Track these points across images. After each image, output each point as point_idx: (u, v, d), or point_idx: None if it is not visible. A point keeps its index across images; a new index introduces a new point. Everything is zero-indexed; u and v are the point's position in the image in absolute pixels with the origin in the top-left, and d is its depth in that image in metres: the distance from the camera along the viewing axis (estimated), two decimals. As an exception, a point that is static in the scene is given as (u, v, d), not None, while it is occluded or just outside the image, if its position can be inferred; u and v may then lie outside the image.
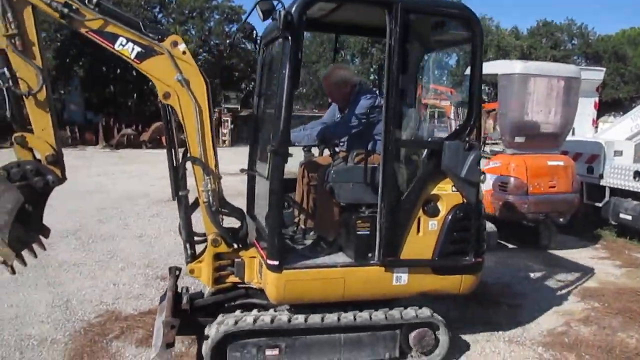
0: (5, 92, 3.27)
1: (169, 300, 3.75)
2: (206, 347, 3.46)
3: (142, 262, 6.15)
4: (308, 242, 4.04)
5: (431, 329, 3.83)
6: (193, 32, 30.49)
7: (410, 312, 3.79)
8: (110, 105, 30.74)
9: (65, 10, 3.18)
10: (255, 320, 3.52)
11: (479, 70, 3.72)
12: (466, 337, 4.35)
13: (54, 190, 3.42)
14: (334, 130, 4.20)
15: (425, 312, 3.82)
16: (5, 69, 3.22)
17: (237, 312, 3.66)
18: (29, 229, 3.43)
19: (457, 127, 3.98)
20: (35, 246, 3.54)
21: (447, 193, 3.70)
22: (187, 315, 3.75)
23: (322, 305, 3.69)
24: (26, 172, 3.29)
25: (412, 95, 4.47)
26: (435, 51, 4.73)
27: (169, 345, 3.39)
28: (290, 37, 3.25)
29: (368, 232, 3.61)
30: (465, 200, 3.69)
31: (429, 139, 4.37)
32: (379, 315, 3.71)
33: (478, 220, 3.76)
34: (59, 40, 26.47)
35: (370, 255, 3.62)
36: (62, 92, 29.69)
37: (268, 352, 3.54)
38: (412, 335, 3.80)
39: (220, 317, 3.60)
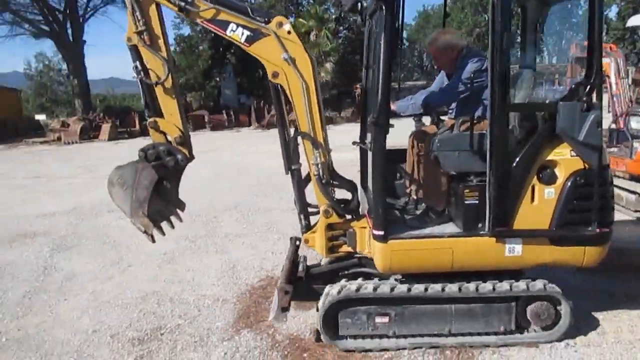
0: (139, 83, 3.69)
1: (285, 268, 4.02)
2: (322, 308, 3.62)
3: (296, 233, 6.55)
4: (419, 212, 3.99)
5: (551, 303, 3.60)
6: (332, 10, 30.89)
7: (528, 284, 3.60)
8: (260, 88, 32.69)
9: (182, 4, 3.48)
10: (375, 289, 3.60)
11: (599, 23, 3.33)
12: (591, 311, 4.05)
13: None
14: (438, 97, 4.08)
15: (540, 284, 3.61)
16: (137, 62, 3.63)
17: (359, 280, 3.76)
18: (166, 203, 3.87)
19: (573, 86, 3.57)
20: (173, 218, 3.95)
21: (565, 158, 3.40)
22: (303, 282, 3.98)
23: (429, 275, 3.66)
24: (159, 153, 3.71)
25: (530, 56, 4.18)
26: (555, 4, 4.26)
27: (284, 309, 3.67)
28: (384, 6, 3.22)
29: (477, 202, 3.48)
30: (586, 166, 3.36)
31: (542, 101, 4.01)
32: (504, 286, 3.57)
33: (603, 187, 3.41)
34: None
35: (480, 225, 3.50)
36: (217, 79, 32.38)
37: (378, 320, 3.63)
38: (530, 308, 3.61)
39: (339, 282, 3.73)
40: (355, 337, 3.70)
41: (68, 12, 30.48)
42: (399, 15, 3.32)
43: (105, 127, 24.29)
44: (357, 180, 4.27)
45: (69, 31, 31.11)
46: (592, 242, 3.51)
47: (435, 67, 4.41)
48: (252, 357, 3.69)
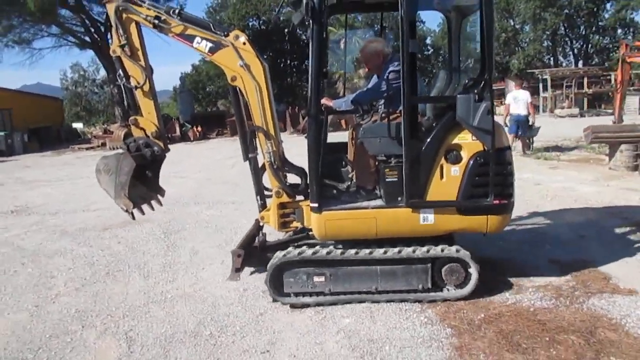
0: (122, 87, 4.55)
1: (243, 237, 4.87)
2: (269, 268, 4.37)
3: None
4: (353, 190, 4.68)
5: (461, 265, 4.28)
6: (359, 19, 31.84)
7: (439, 249, 4.27)
8: (290, 95, 34.00)
9: (156, 22, 4.30)
10: (299, 253, 4.34)
11: (490, 29, 3.96)
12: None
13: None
14: (363, 96, 4.73)
15: (453, 249, 4.28)
16: (120, 70, 4.50)
17: (290, 247, 4.50)
18: (147, 189, 4.72)
19: (467, 81, 4.27)
20: (154, 203, 4.85)
21: (468, 142, 4.09)
22: (257, 251, 4.80)
23: (363, 242, 4.36)
24: (139, 145, 4.55)
25: (454, 59, 4.92)
26: (471, 15, 4.81)
27: (237, 270, 4.51)
28: (313, 22, 3.94)
29: (396, 179, 4.18)
30: (485, 148, 4.03)
31: (444, 95, 4.64)
32: (408, 250, 4.26)
33: (499, 166, 4.05)
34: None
35: (399, 198, 4.19)
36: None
37: (316, 279, 4.37)
38: (444, 269, 4.31)
39: (279, 252, 4.47)
40: (297, 294, 4.43)
41: (109, 22, 32.17)
42: (325, 27, 4.06)
43: (149, 133, 25.81)
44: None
45: (109, 41, 32.92)
46: (493, 212, 4.17)
47: (367, 69, 5.18)
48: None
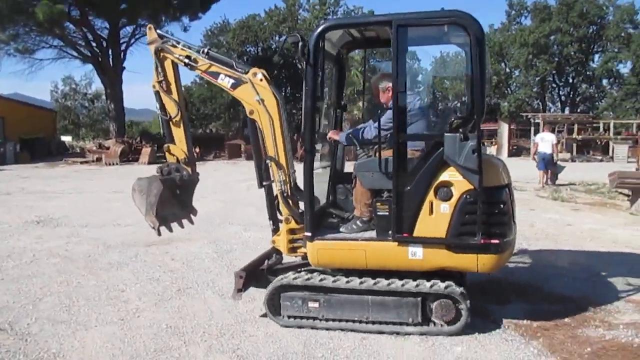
0: (160, 118, 5.10)
1: (252, 260, 5.07)
2: (267, 291, 4.57)
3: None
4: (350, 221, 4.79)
5: (452, 301, 4.26)
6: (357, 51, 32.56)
7: (429, 283, 4.29)
8: (293, 121, 34.28)
9: (187, 61, 4.79)
10: (307, 279, 4.47)
11: (480, 70, 4.05)
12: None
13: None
14: (355, 133, 4.86)
15: (443, 284, 4.28)
16: (158, 103, 5.02)
17: (289, 273, 4.64)
18: (178, 209, 5.10)
19: (454, 120, 4.34)
20: (185, 221, 5.23)
21: (459, 179, 4.12)
22: (262, 273, 4.95)
23: (356, 271, 4.45)
24: (170, 170, 5.00)
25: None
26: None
27: (239, 290, 4.70)
28: (307, 62, 4.23)
29: (387, 213, 4.28)
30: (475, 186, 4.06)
31: (433, 133, 4.76)
32: (396, 283, 4.31)
33: (487, 204, 4.08)
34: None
35: (389, 232, 4.27)
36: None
37: (310, 304, 4.46)
38: (434, 305, 4.30)
39: (287, 274, 4.64)
40: (293, 317, 4.53)
41: (111, 38, 32.28)
42: (318, 68, 4.32)
43: (146, 151, 25.75)
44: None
45: (110, 58, 32.94)
46: (484, 251, 4.16)
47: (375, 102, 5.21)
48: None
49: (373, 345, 4.23)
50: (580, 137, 33.33)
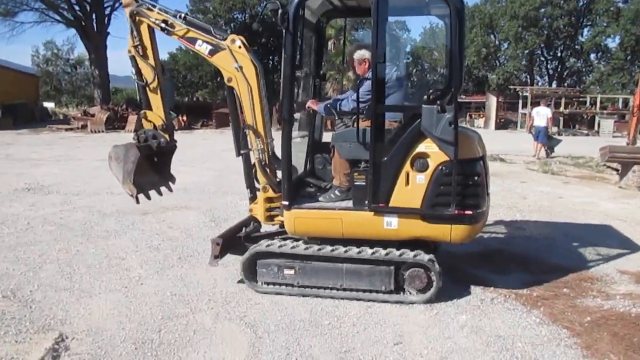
0: (136, 84, 4.98)
1: (229, 228, 5.12)
2: (243, 258, 4.62)
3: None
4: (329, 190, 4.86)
5: (424, 270, 4.34)
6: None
7: (400, 252, 4.36)
8: (273, 91, 33.91)
9: (163, 25, 4.68)
10: (280, 246, 4.53)
11: (459, 42, 4.06)
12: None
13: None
14: (334, 104, 4.86)
15: (412, 253, 4.35)
16: (133, 69, 4.89)
17: (264, 240, 4.69)
18: (157, 176, 5.08)
19: (432, 92, 4.34)
20: (163, 189, 5.23)
21: (435, 151, 4.15)
22: (240, 241, 5.00)
23: (332, 240, 4.50)
24: (147, 137, 4.91)
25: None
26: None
27: (216, 257, 4.75)
28: (286, 30, 4.20)
29: (364, 183, 4.32)
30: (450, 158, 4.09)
31: (410, 105, 4.79)
32: (368, 251, 4.39)
33: (464, 176, 4.15)
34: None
35: (365, 202, 4.32)
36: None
37: (286, 272, 4.53)
38: (406, 273, 4.39)
39: (262, 241, 4.69)
40: (268, 283, 4.61)
41: (95, 1, 31.35)
42: (297, 36, 4.31)
43: (132, 118, 25.21)
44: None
45: (94, 22, 32.06)
46: (457, 221, 4.23)
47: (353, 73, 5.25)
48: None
49: (378, 314, 4.30)
50: (567, 111, 33.54)
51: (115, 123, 26.01)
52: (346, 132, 4.64)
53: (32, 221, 7.19)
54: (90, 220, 7.24)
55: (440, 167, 4.16)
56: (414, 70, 47.50)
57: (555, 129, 30.26)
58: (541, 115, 16.66)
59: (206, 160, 14.05)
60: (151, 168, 5.02)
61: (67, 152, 16.15)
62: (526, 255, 5.94)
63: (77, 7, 31.52)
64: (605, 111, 33.81)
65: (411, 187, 4.23)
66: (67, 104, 43.58)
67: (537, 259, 5.83)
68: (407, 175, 4.22)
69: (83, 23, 31.65)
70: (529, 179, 11.91)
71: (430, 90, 4.35)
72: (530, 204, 8.87)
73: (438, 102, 4.09)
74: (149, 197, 5.10)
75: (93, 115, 26.46)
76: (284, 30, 4.24)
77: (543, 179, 12.01)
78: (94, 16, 31.91)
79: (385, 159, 4.23)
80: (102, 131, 24.64)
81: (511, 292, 4.79)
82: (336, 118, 5.04)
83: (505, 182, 11.23)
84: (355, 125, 4.46)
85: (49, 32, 58.43)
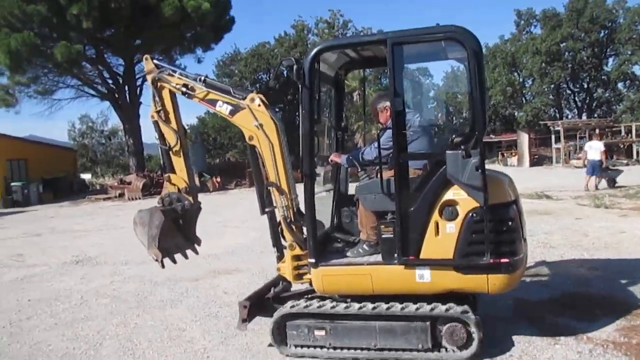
0: (159, 148, 5.04)
1: (257, 289, 5.01)
2: (272, 320, 4.47)
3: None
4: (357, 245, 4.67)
5: (462, 325, 4.04)
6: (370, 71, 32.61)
7: (436, 307, 4.09)
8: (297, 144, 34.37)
9: (184, 89, 4.75)
10: (306, 306, 4.35)
11: (479, 84, 3.91)
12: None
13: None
14: (356, 155, 4.76)
15: (451, 307, 4.07)
16: (157, 133, 4.99)
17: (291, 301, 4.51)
18: (181, 239, 5.06)
19: (454, 137, 4.14)
20: (189, 252, 5.18)
21: (464, 198, 3.95)
22: (269, 302, 4.84)
23: (361, 297, 4.30)
24: (172, 200, 4.91)
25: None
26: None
27: (244, 320, 4.62)
28: (302, 85, 4.18)
29: (392, 235, 4.13)
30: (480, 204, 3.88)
31: (434, 151, 4.58)
32: (399, 306, 4.13)
33: (497, 222, 3.92)
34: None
35: (395, 255, 4.11)
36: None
37: (317, 332, 4.31)
38: (444, 329, 4.09)
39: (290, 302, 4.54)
40: (300, 346, 4.39)
41: (127, 74, 32.60)
42: (314, 91, 4.25)
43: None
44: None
45: (127, 94, 33.20)
46: (493, 271, 3.97)
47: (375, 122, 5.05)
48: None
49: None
50: (603, 142, 32.77)
51: (151, 189, 26.43)
52: (370, 183, 4.52)
53: (84, 295, 7.12)
54: (143, 291, 7.11)
55: (470, 214, 3.95)
56: (440, 115, 47.52)
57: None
58: (594, 149, 16.83)
59: (246, 219, 13.93)
60: (176, 231, 5.01)
61: (108, 222, 16.33)
62: (609, 298, 5.54)
63: (110, 81, 32.77)
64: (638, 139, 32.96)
65: (442, 237, 4.02)
66: (103, 174, 44.68)
67: (621, 300, 5.41)
68: (437, 224, 4.03)
69: (116, 95, 32.82)
70: (583, 214, 11.42)
71: (454, 135, 4.18)
72: (594, 241, 8.43)
73: (462, 147, 3.93)
74: (174, 261, 5.02)
75: (129, 183, 27.00)
76: (299, 86, 4.21)
77: (598, 214, 11.50)
78: (126, 88, 33.06)
79: (412, 208, 4.07)
80: (140, 198, 25.05)
81: (607, 342, 4.40)
82: (359, 170, 4.90)
83: (559, 219, 10.79)
84: (378, 175, 4.34)
85: (84, 107, 61.09)
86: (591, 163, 16.61)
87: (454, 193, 3.99)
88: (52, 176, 29.86)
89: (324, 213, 4.96)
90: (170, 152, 4.96)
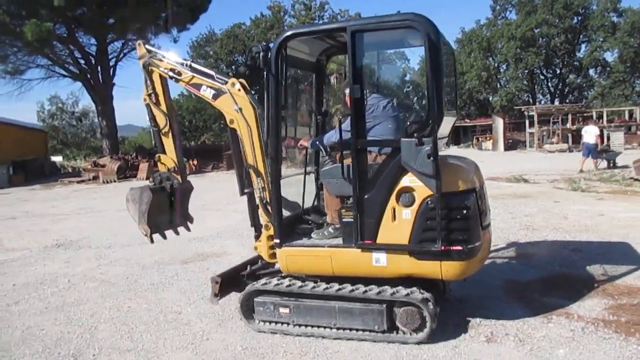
0: (151, 129, 5.35)
1: (233, 266, 5.25)
2: (240, 297, 4.70)
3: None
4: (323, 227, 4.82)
5: (417, 308, 4.16)
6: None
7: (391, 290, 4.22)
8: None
9: (171, 74, 5.01)
10: (276, 284, 4.54)
11: (435, 72, 3.92)
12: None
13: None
14: (320, 140, 4.87)
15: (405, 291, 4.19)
16: (148, 115, 5.26)
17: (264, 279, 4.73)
18: (172, 216, 5.34)
19: (408, 124, 4.20)
20: (180, 229, 5.51)
21: (420, 185, 3.99)
22: (242, 279, 5.05)
23: (326, 278, 4.45)
24: (162, 178, 5.24)
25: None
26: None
27: (215, 295, 4.86)
28: (269, 72, 4.27)
29: (352, 220, 4.22)
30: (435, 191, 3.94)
31: (391, 138, 4.48)
32: (360, 289, 4.28)
33: (450, 210, 3.96)
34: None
35: (354, 239, 4.22)
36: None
37: (282, 310, 4.50)
38: (399, 312, 4.21)
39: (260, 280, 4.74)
40: (265, 321, 4.61)
41: (99, 54, 31.75)
42: (280, 78, 4.32)
43: (143, 166, 25.42)
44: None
45: (99, 74, 32.37)
46: (447, 257, 4.01)
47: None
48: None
49: (463, 353, 4.08)
50: (574, 127, 33.52)
51: (126, 172, 26.04)
52: (332, 168, 4.59)
53: (71, 279, 7.01)
54: (132, 274, 7.04)
55: (426, 202, 3.99)
56: (415, 99, 47.78)
57: (563, 146, 30.28)
58: (590, 133, 18.04)
59: (228, 202, 13.86)
60: (167, 208, 5.27)
61: (85, 205, 16.07)
62: (594, 278, 5.72)
63: (82, 61, 31.88)
64: (612, 124, 33.79)
65: (398, 223, 4.09)
66: (75, 157, 43.73)
67: (608, 280, 5.59)
68: (394, 210, 4.09)
69: (89, 76, 31.98)
70: (561, 197, 11.72)
71: (408, 124, 4.22)
72: (574, 224, 8.66)
73: (416, 134, 3.94)
74: (164, 237, 5.34)
75: (104, 166, 26.54)
76: (265, 72, 4.29)
77: (575, 197, 11.81)
78: (99, 68, 32.23)
79: (370, 194, 4.14)
80: (115, 181, 24.68)
81: (597, 320, 4.56)
82: (323, 154, 4.95)
83: (538, 202, 11.06)
84: (340, 160, 4.37)
85: (54, 87, 59.43)
86: (587, 146, 17.91)
87: (411, 180, 4.02)
88: (22, 158, 29.10)
89: (298, 195, 5.17)
90: (161, 133, 5.22)
